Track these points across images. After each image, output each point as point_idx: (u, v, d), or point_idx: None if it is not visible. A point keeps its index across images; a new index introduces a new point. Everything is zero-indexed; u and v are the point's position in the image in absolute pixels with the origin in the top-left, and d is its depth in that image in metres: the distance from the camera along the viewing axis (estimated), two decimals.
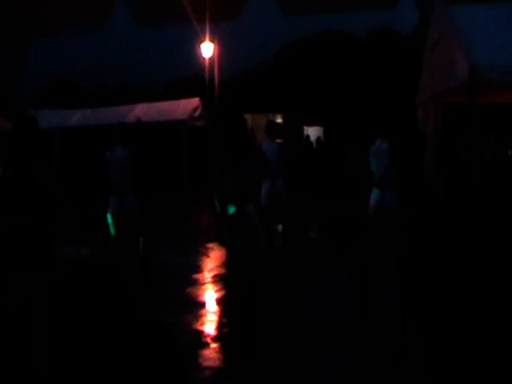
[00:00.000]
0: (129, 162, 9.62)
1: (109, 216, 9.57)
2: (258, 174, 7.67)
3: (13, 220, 5.78)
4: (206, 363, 6.65)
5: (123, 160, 9.57)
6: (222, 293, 9.60)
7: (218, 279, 10.46)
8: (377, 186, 9.54)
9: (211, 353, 6.99)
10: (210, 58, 28.27)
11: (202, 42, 27.91)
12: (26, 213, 5.81)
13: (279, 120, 28.32)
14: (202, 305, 9.09)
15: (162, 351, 6.92)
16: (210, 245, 13.40)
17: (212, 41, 27.90)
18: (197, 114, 25.31)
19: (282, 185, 11.96)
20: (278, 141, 12.75)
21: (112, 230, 9.57)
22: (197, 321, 8.17)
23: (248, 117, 29.95)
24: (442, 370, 6.15)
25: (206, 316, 8.51)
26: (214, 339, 7.40)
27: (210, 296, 9.64)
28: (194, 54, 29.87)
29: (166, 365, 6.57)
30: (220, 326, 8.01)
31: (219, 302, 9.23)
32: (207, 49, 27.90)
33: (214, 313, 8.77)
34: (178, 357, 6.81)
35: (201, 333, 7.67)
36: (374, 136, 9.86)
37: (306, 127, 30.47)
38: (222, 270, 11.09)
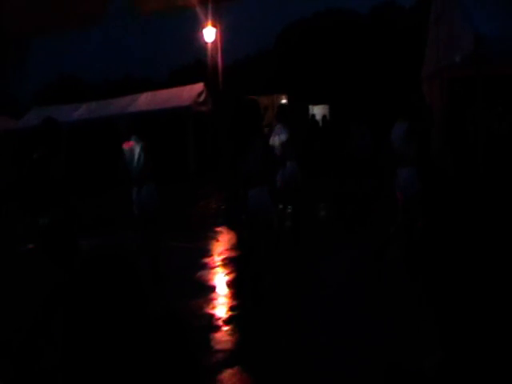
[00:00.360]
0: (145, 153, 9.66)
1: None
2: (267, 158, 7.86)
3: (40, 217, 6.13)
4: (218, 346, 6.62)
5: (140, 151, 9.61)
6: (232, 276, 9.58)
7: (227, 262, 10.43)
8: (401, 164, 9.33)
9: (223, 336, 6.95)
10: (213, 43, 28.07)
11: (204, 27, 27.73)
12: (50, 210, 6.19)
13: (284, 101, 28.15)
14: (213, 288, 9.06)
15: (174, 335, 6.87)
16: (218, 229, 13.37)
17: (214, 25, 27.71)
18: (201, 99, 25.24)
19: (296, 168, 11.88)
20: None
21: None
22: (208, 304, 8.15)
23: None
24: (453, 345, 6.09)
25: (216, 299, 8.49)
26: (226, 322, 7.36)
27: (221, 279, 9.59)
28: (196, 40, 29.68)
29: (178, 349, 6.52)
30: (231, 308, 7.97)
31: (229, 285, 9.19)
32: (209, 34, 27.71)
33: (224, 296, 8.73)
34: (189, 340, 6.76)
35: (212, 316, 7.64)
36: (391, 115, 9.75)
37: (311, 106, 30.27)
38: (232, 253, 11.08)
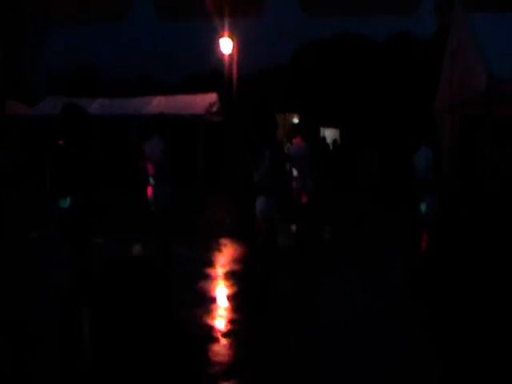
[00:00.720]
0: (165, 153, 9.93)
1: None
2: (276, 169, 8.20)
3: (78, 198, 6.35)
4: (217, 358, 6.72)
5: (160, 150, 9.87)
6: (234, 288, 9.71)
7: (230, 275, 10.55)
8: (424, 190, 9.53)
9: (222, 348, 7.06)
10: (229, 55, 28.29)
11: (221, 37, 27.95)
12: (81, 192, 6.41)
13: (296, 120, 28.34)
14: (214, 299, 9.19)
15: (175, 345, 7.08)
16: (223, 240, 13.52)
17: (231, 37, 27.92)
18: (214, 109, 25.43)
19: (312, 185, 12.18)
20: (294, 141, 12.90)
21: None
22: (208, 315, 8.25)
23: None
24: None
25: (217, 311, 8.61)
26: (226, 334, 7.47)
27: (222, 291, 9.74)
28: (213, 50, 29.91)
29: (179, 358, 6.72)
30: (231, 321, 8.09)
31: (231, 297, 9.32)
32: (226, 45, 27.93)
33: (225, 308, 8.86)
34: (190, 351, 6.97)
35: (211, 327, 7.74)
36: (401, 142, 10.05)
37: (322, 128, 30.44)
38: (235, 266, 11.23)
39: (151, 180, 10.06)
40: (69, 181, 6.56)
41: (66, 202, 6.50)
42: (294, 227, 12.94)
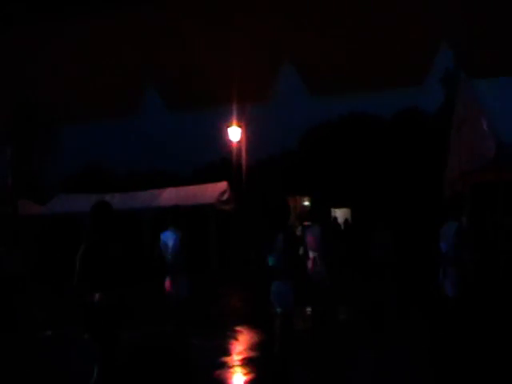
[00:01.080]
0: (180, 244, 9.90)
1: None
2: (290, 253, 8.20)
3: (99, 297, 6.38)
4: None
5: (176, 242, 9.81)
6: (251, 376, 9.44)
7: (246, 362, 10.29)
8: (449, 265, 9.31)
9: None
10: (238, 142, 28.51)
11: (229, 126, 28.24)
12: (109, 291, 6.44)
13: (307, 203, 28.35)
14: None
15: None
16: (238, 328, 13.26)
17: (239, 125, 28.21)
18: (224, 197, 25.46)
19: (324, 266, 11.99)
20: (305, 223, 12.83)
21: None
22: None
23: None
24: None
25: None
26: None
27: (239, 379, 9.47)
28: (222, 139, 30.20)
29: None
30: None
31: None
32: (234, 133, 28.18)
33: None
34: None
35: None
36: (413, 219, 10.00)
37: (333, 209, 30.43)
38: (251, 353, 10.95)
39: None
40: (98, 277, 6.58)
41: (97, 299, 6.56)
42: (309, 310, 12.69)
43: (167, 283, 9.99)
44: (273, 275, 8.31)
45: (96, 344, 6.66)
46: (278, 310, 8.26)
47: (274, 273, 8.28)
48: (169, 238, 9.96)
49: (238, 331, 13.06)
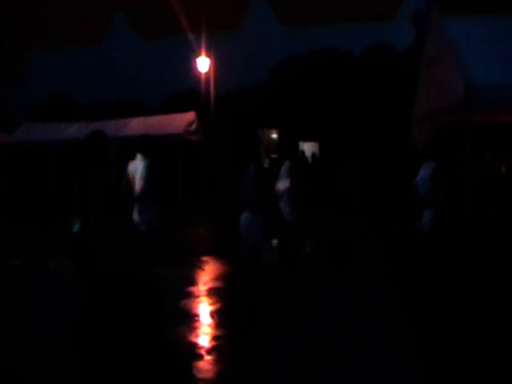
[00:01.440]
0: (149, 175, 9.74)
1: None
2: (260, 184, 8.22)
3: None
4: (200, 375, 6.65)
5: (144, 172, 9.67)
6: (217, 306, 9.60)
7: (212, 292, 10.45)
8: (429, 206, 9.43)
9: (205, 365, 6.98)
10: (206, 73, 28.30)
11: (198, 56, 27.98)
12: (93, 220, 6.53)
13: (274, 135, 28.40)
14: (197, 317, 9.08)
15: (159, 362, 6.94)
16: (205, 258, 13.40)
17: (208, 55, 27.96)
18: (192, 128, 25.34)
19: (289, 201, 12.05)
20: (273, 156, 12.85)
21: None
22: (191, 333, 8.16)
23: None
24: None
25: (200, 328, 8.50)
26: (209, 351, 7.38)
27: (205, 309, 9.62)
28: (190, 69, 29.90)
29: (163, 375, 6.60)
30: (214, 338, 7.99)
31: (214, 314, 9.20)
32: (203, 63, 27.95)
33: (208, 325, 8.74)
34: (174, 368, 6.85)
35: (195, 345, 7.65)
36: (381, 155, 10.05)
37: (301, 142, 30.49)
38: (217, 283, 11.12)
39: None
40: (84, 205, 6.66)
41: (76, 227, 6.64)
42: (275, 242, 12.86)
43: (134, 213, 9.96)
44: (242, 207, 8.39)
45: (81, 273, 6.75)
46: (246, 242, 8.38)
47: (244, 205, 8.36)
48: (137, 168, 9.75)
49: (204, 261, 13.21)
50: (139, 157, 9.77)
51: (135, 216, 9.78)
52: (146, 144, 9.98)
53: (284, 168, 11.62)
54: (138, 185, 9.71)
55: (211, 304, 9.78)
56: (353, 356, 7.17)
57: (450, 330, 7.81)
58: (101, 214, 6.92)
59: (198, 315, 9.20)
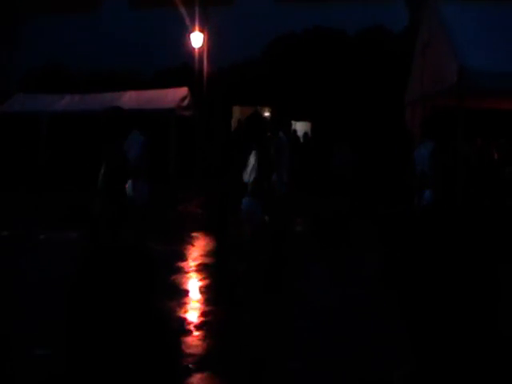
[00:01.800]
0: (144, 149, 9.79)
1: None
2: (261, 170, 8.26)
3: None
4: (189, 350, 6.71)
5: (139, 146, 9.72)
6: (206, 281, 9.68)
7: (202, 268, 10.53)
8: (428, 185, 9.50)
9: (194, 340, 7.06)
10: (200, 48, 28.20)
11: (191, 31, 27.88)
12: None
13: (267, 113, 28.30)
14: (186, 293, 9.17)
15: (148, 336, 7.01)
16: (195, 234, 13.47)
17: (202, 31, 27.86)
18: (185, 103, 25.29)
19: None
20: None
21: None
22: (180, 308, 8.24)
23: (236, 109, 30.04)
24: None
25: (189, 304, 8.59)
26: (197, 327, 7.46)
27: (194, 284, 9.71)
28: (184, 43, 29.79)
29: (151, 350, 6.67)
30: (203, 314, 8.08)
31: (203, 290, 9.29)
32: (197, 39, 27.86)
33: (197, 301, 8.84)
34: (162, 343, 6.91)
35: (184, 320, 7.73)
36: (373, 135, 10.10)
37: (293, 121, 30.36)
38: (207, 259, 11.20)
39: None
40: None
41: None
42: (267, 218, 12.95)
43: (128, 188, 9.93)
44: (244, 191, 8.40)
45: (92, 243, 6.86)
46: (250, 225, 8.42)
47: (246, 188, 8.37)
48: (133, 142, 9.83)
49: (194, 237, 13.29)
50: (135, 131, 9.81)
51: (129, 191, 9.80)
52: (142, 119, 10.05)
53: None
54: (132, 159, 9.73)
55: (200, 280, 9.86)
56: (343, 329, 7.28)
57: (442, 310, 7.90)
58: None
59: (187, 290, 9.30)
